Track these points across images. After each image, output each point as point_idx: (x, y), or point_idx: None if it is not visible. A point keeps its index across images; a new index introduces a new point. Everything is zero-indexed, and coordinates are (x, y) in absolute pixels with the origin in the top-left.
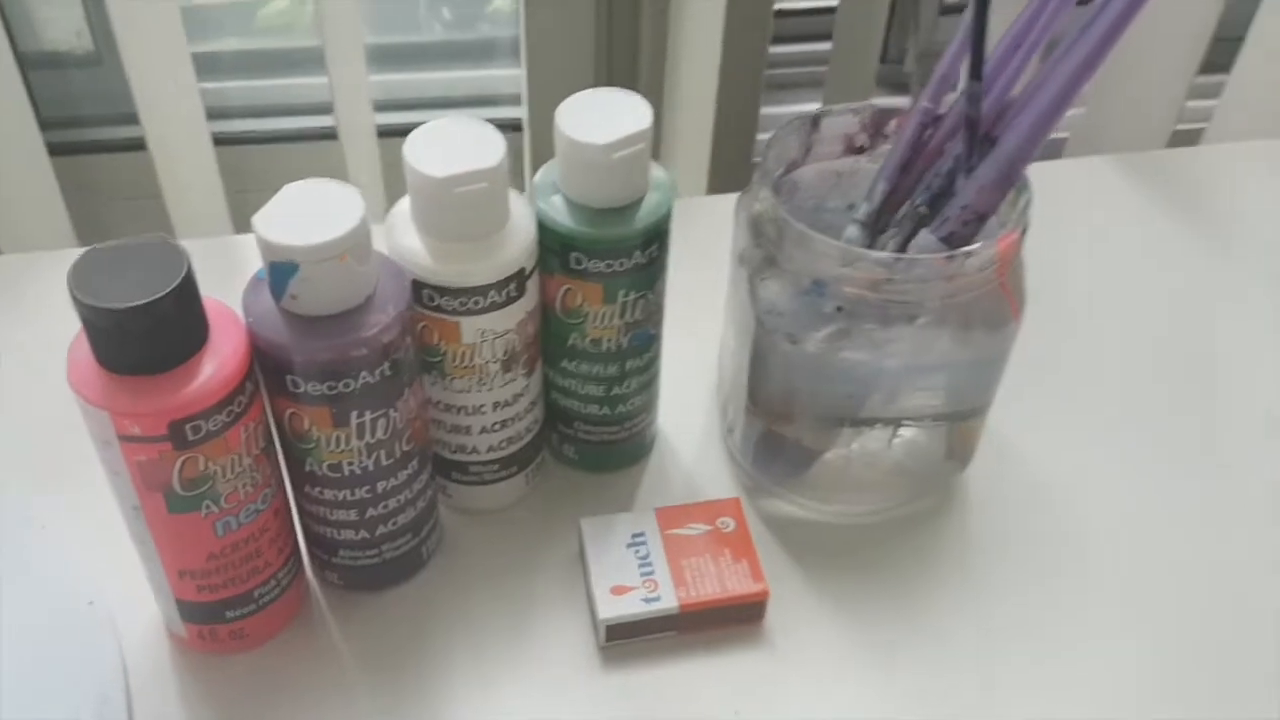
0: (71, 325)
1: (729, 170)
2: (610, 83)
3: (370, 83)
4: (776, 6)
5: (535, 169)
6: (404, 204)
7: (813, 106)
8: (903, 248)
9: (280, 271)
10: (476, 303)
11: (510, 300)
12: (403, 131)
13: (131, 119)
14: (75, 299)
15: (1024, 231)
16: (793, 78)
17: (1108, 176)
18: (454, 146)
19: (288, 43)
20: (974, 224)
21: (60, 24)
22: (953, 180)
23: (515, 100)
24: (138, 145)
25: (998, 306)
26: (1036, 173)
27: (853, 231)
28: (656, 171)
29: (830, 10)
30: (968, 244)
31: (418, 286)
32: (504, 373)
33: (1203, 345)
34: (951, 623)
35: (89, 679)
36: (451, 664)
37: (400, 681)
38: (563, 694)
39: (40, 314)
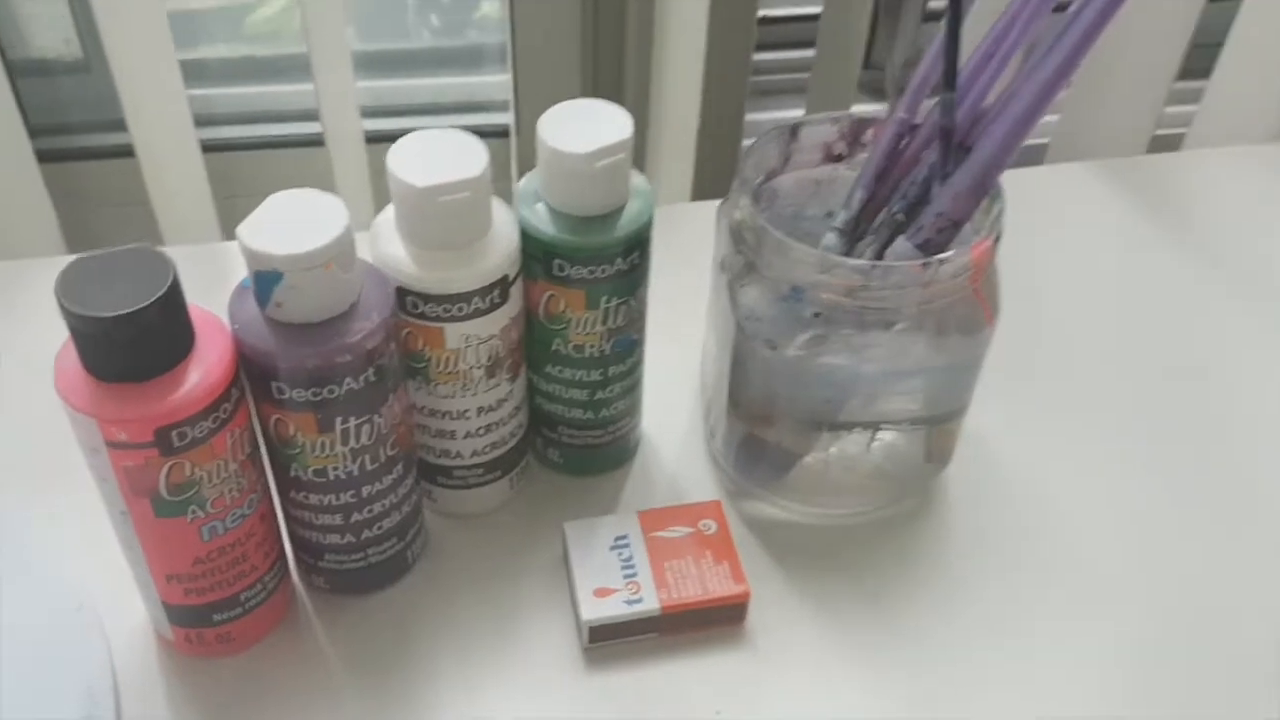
0: (59, 332)
1: (714, 176)
2: (596, 88)
3: (359, 89)
4: (760, 13)
5: (522, 174)
6: (388, 212)
7: (797, 113)
8: (880, 254)
9: (265, 280)
10: (460, 309)
11: (494, 306)
12: (391, 137)
13: (120, 126)
14: (63, 307)
15: (997, 239)
16: (777, 84)
17: (1088, 182)
18: (437, 156)
19: (276, 49)
20: (949, 231)
21: (49, 32)
22: (928, 188)
23: (503, 106)
24: (126, 152)
25: (972, 312)
26: (1017, 179)
27: (831, 239)
28: (637, 180)
29: (814, 18)
30: (943, 251)
31: (402, 293)
32: (488, 378)
33: (1179, 349)
34: (931, 622)
35: (78, 681)
36: (437, 666)
37: (386, 684)
38: (547, 695)
39: (29, 321)
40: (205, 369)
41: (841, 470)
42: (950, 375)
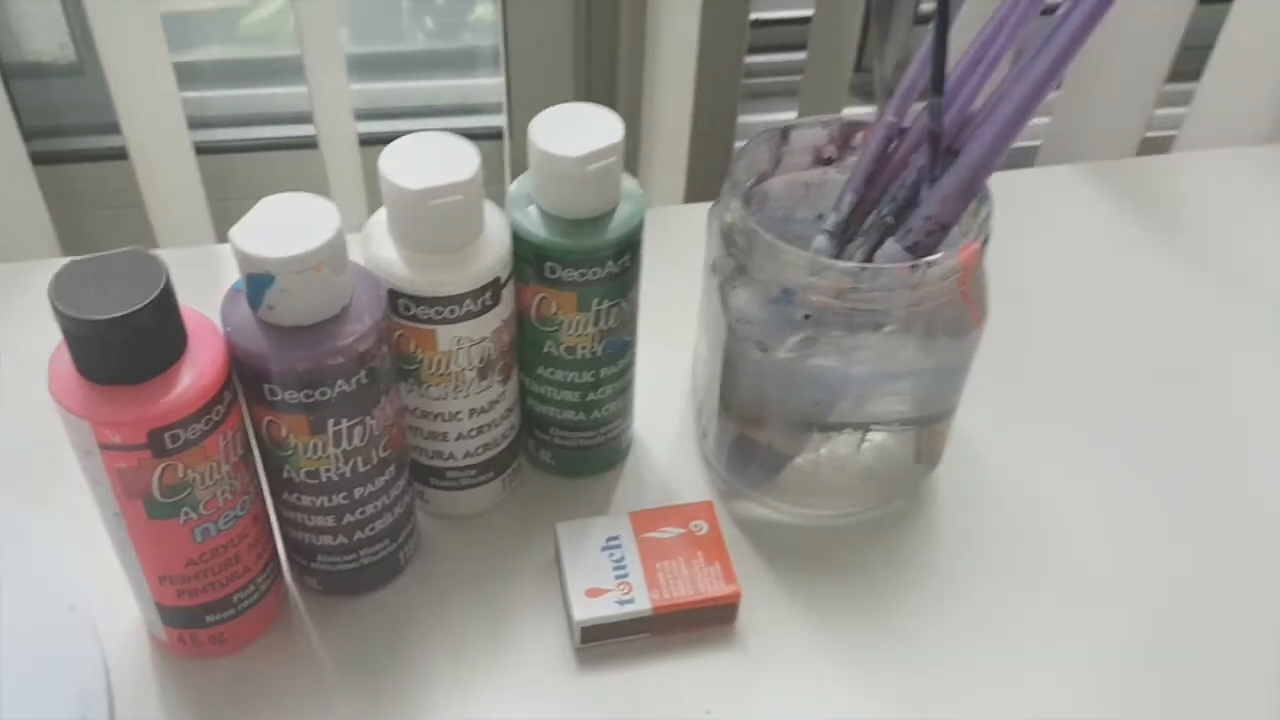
0: (53, 335)
1: (706, 179)
2: (589, 91)
3: (353, 91)
4: (752, 16)
5: (516, 176)
6: (380, 215)
7: (789, 116)
8: (869, 257)
9: (257, 283)
10: (452, 311)
11: (485, 309)
12: (385, 140)
13: (114, 128)
14: (56, 310)
15: (985, 241)
16: (769, 87)
17: (1077, 184)
18: (429, 160)
19: (270, 52)
20: (937, 234)
21: (43, 34)
22: (917, 191)
23: (497, 109)
24: (120, 155)
25: (960, 314)
26: (1007, 181)
27: (821, 241)
28: (629, 183)
29: (805, 20)
30: (931, 253)
31: (394, 296)
32: (480, 380)
33: (1169, 351)
34: (920, 622)
35: (71, 682)
36: (429, 667)
37: (378, 685)
38: (539, 696)
39: (23, 323)
40: (198, 371)
41: (832, 471)
42: (939, 377)
